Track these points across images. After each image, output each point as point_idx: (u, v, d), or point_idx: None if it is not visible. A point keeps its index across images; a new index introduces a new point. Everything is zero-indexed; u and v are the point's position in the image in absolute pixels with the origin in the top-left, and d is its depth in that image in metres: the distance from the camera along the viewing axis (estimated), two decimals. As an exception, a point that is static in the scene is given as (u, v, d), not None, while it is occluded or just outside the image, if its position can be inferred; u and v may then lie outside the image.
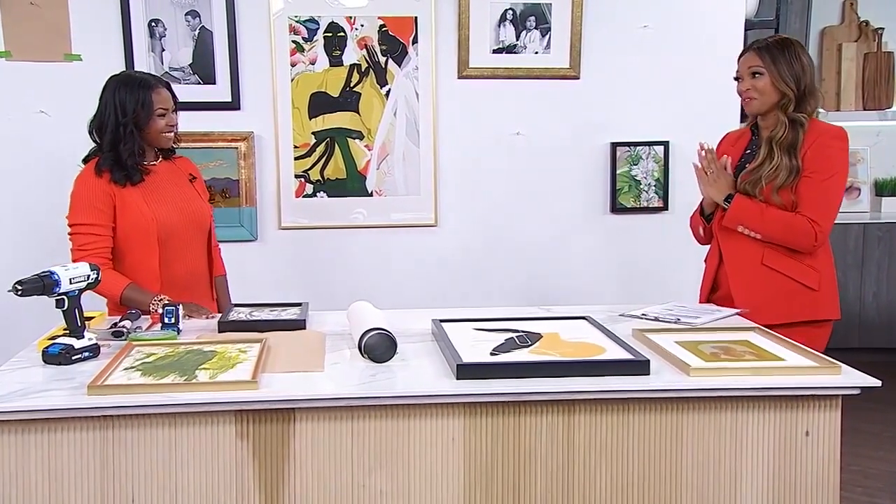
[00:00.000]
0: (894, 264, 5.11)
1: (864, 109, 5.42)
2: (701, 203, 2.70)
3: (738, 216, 2.48)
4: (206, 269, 2.78)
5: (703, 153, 2.57)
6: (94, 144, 2.61)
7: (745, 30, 3.87)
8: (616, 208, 3.80)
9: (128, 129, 2.53)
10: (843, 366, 1.84)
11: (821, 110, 5.30)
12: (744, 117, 2.74)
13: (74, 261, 2.51)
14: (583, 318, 2.28)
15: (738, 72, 2.57)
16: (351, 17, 3.61)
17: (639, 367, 1.83)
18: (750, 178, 2.50)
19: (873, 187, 5.46)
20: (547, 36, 3.69)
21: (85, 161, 2.60)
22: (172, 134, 2.63)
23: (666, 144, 3.79)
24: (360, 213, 3.75)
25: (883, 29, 5.40)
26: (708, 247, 2.75)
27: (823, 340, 2.50)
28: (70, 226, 2.56)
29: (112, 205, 2.54)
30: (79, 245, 2.54)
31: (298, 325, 2.29)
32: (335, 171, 3.70)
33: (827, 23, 5.45)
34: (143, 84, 2.57)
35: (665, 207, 3.68)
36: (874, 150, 5.46)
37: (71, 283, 1.99)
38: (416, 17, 3.63)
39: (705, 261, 2.75)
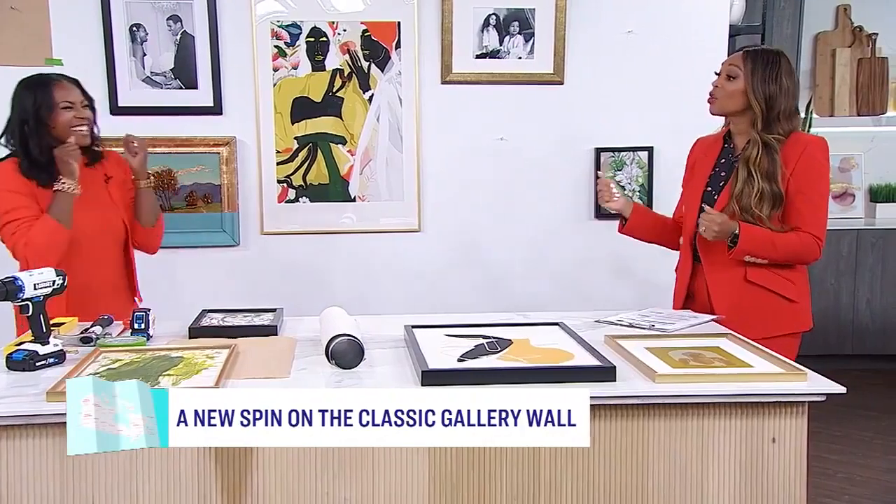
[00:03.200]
0: (888, 271, 5.08)
1: (859, 115, 5.40)
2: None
3: (747, 249, 2.39)
4: (124, 280, 2.71)
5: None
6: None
7: (731, 35, 3.86)
8: (600, 214, 3.77)
9: (29, 125, 2.50)
10: (810, 372, 1.83)
11: (815, 116, 5.32)
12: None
13: (10, 248, 2.47)
14: (556, 324, 2.27)
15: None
16: (334, 22, 3.59)
17: (605, 373, 1.81)
18: (738, 206, 2.42)
19: (867, 193, 5.44)
20: (530, 41, 3.67)
21: None
22: (86, 129, 2.56)
23: (650, 150, 3.77)
24: (349, 218, 3.74)
25: (877, 34, 5.38)
26: (677, 256, 2.75)
27: (796, 350, 2.48)
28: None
29: (33, 195, 2.49)
30: (11, 232, 2.46)
31: (270, 330, 2.28)
32: (318, 177, 3.68)
33: (820, 28, 5.44)
34: (41, 81, 2.55)
35: (650, 213, 3.65)
36: (868, 156, 5.44)
37: (35, 288, 1.99)
38: (398, 23, 3.61)
39: (676, 270, 2.73)
